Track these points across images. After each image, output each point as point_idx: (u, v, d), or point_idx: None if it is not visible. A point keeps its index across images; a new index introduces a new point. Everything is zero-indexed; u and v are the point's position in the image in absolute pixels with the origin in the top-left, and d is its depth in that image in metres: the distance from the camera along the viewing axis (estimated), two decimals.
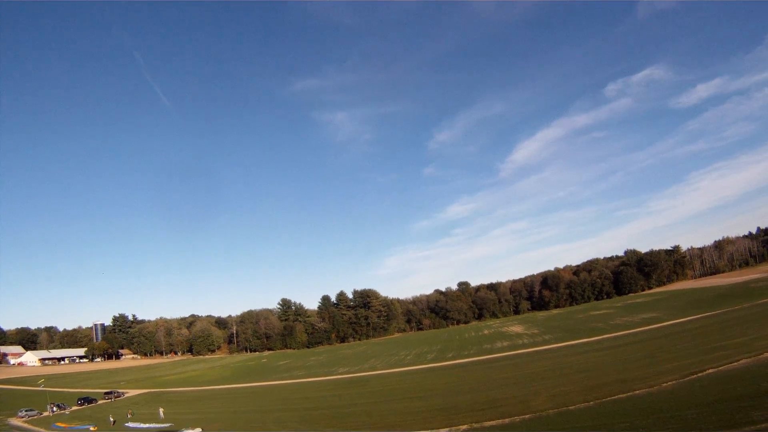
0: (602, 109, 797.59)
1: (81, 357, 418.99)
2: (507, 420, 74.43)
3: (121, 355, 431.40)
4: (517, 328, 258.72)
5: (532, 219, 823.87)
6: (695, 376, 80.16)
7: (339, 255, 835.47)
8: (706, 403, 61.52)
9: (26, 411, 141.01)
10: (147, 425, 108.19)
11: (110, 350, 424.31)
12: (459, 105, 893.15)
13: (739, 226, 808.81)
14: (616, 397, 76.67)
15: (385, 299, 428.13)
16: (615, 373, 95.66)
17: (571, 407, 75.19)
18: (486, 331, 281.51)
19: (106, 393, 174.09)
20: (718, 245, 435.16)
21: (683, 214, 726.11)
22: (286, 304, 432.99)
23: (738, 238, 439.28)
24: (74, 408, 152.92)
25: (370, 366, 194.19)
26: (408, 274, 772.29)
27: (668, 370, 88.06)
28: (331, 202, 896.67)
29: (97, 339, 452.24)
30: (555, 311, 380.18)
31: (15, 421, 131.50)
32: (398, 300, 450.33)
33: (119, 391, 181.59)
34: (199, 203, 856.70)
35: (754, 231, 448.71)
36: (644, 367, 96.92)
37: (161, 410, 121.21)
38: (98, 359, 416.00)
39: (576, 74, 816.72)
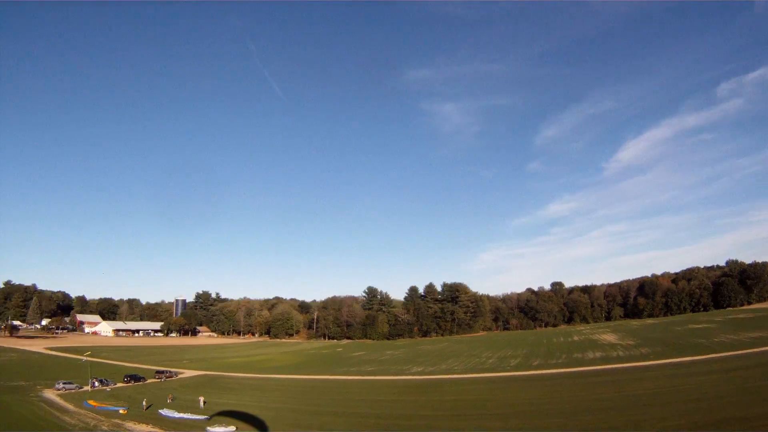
0: (713, 109, 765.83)
1: (156, 331, 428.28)
2: None
3: (198, 332, 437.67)
4: (609, 337, 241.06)
5: (632, 222, 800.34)
6: None
7: (432, 247, 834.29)
8: None
9: (64, 384, 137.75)
10: (180, 415, 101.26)
11: (187, 326, 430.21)
12: (568, 100, 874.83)
13: None
14: None
15: (475, 295, 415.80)
16: (734, 407, 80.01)
17: None
18: (576, 338, 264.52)
19: (157, 372, 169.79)
20: None
21: None
22: (371, 292, 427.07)
23: None
24: (119, 385, 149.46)
25: (447, 367, 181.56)
26: (501, 270, 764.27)
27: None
28: (429, 192, 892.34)
29: (177, 314, 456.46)
30: (649, 321, 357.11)
31: (49, 393, 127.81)
32: (488, 296, 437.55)
33: (172, 371, 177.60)
34: (294, 187, 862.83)
35: None
36: (743, 406, 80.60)
37: (201, 399, 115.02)
38: (174, 334, 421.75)
39: (688, 72, 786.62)
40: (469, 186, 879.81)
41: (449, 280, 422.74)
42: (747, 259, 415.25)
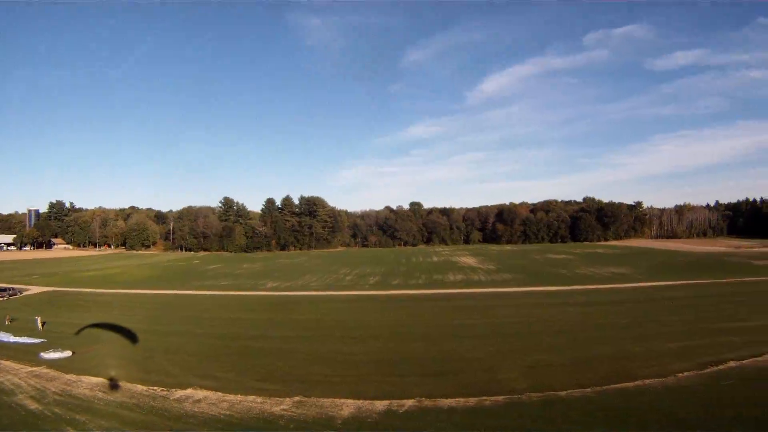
0: (579, 56, 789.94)
1: (9, 245, 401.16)
2: (472, 400, 54.32)
3: (53, 244, 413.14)
4: (469, 260, 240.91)
5: (493, 152, 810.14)
6: (714, 368, 62.10)
7: (292, 161, 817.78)
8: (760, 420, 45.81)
9: None
10: (16, 338, 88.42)
11: (41, 239, 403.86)
12: (437, 26, 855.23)
13: (696, 196, 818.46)
14: (620, 385, 57.39)
15: (333, 209, 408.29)
16: (605, 344, 76.69)
17: (560, 393, 55.64)
18: (435, 258, 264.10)
19: None
20: (679, 210, 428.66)
21: (642, 173, 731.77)
22: (228, 203, 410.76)
23: (698, 206, 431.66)
24: None
25: (303, 284, 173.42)
26: (360, 188, 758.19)
27: (674, 352, 70.04)
28: (291, 106, 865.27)
29: (30, 226, 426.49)
30: (508, 247, 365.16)
31: None
32: (346, 212, 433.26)
33: (16, 288, 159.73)
34: (151, 88, 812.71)
35: (712, 203, 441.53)
36: (640, 340, 77.77)
37: (39, 320, 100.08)
38: (27, 248, 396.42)
39: (558, 17, 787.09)
40: (330, 102, 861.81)
41: (307, 195, 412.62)
42: (603, 198, 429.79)
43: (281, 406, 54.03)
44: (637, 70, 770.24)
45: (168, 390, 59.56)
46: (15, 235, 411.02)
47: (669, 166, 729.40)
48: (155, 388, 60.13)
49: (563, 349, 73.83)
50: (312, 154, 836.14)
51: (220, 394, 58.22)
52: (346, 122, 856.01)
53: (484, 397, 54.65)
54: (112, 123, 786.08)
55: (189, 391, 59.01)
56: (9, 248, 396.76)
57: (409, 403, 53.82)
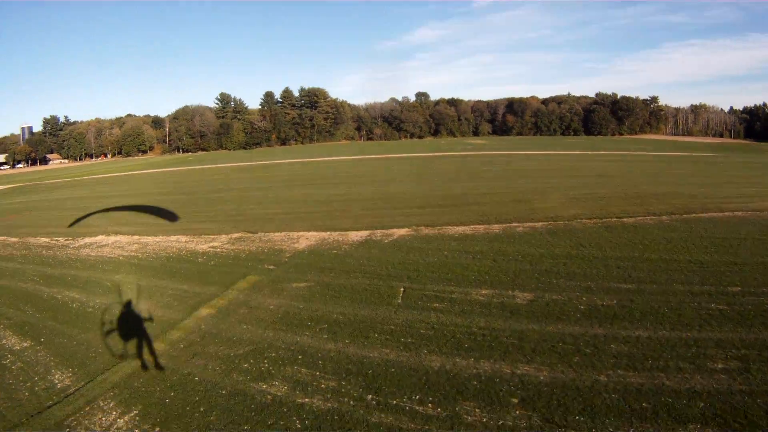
0: None
1: (2, 164, 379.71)
2: (496, 226, 38.03)
3: (49, 160, 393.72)
4: (479, 142, 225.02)
5: (501, 55, 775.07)
6: None
7: (294, 61, 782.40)
8: None
9: None
10: None
11: (34, 155, 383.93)
12: None
13: (711, 101, 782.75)
14: (707, 215, 40.16)
15: (335, 101, 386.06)
16: (671, 185, 59.49)
17: (624, 219, 38.55)
18: (443, 142, 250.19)
19: None
20: (695, 109, 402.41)
21: (652, 80, 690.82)
22: (224, 99, 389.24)
23: (714, 108, 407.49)
24: None
25: (292, 158, 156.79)
26: (367, 94, 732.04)
27: (756, 195, 51.67)
28: (292, 4, 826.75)
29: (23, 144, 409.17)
30: (518, 138, 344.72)
31: None
32: (349, 104, 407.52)
33: None
34: None
35: (726, 109, 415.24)
36: (713, 186, 60.10)
37: None
38: (21, 165, 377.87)
39: None
40: (333, 5, 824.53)
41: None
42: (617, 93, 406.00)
43: (211, 243, 39.05)
44: None
45: (73, 239, 46.33)
46: (6, 154, 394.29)
47: (680, 74, 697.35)
48: (60, 239, 47.21)
49: (619, 187, 57.29)
50: (315, 55, 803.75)
51: (135, 237, 44.71)
52: (350, 25, 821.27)
53: (515, 224, 37.84)
54: (101, 28, 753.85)
55: (99, 238, 45.67)
56: (2, 168, 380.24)
57: (401, 232, 37.34)
